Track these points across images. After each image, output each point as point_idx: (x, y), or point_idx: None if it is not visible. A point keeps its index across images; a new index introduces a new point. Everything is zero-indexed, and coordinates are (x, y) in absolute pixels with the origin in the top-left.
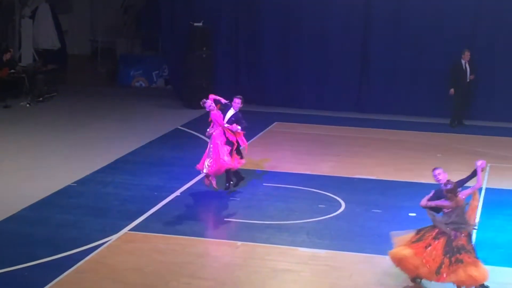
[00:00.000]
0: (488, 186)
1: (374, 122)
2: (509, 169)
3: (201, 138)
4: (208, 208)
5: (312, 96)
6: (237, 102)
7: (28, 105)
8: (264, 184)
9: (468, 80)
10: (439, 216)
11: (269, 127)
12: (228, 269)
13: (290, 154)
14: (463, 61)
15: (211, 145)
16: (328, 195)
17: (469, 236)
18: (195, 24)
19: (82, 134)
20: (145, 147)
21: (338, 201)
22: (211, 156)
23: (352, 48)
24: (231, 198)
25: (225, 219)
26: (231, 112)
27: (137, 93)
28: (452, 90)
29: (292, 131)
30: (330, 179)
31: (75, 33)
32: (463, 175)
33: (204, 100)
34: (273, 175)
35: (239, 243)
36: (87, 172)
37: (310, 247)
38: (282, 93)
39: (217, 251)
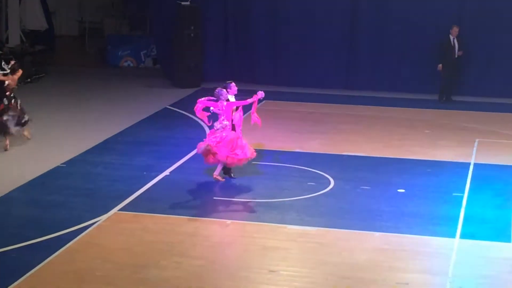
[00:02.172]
0: (476, 162)
1: (362, 99)
2: (496, 144)
3: (190, 117)
4: (197, 187)
5: (301, 74)
6: (233, 86)
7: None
8: (253, 162)
9: (456, 56)
10: None
11: (259, 106)
12: (218, 248)
13: (279, 132)
14: (451, 37)
15: (233, 134)
16: (317, 173)
17: None
18: (183, 3)
19: (71, 114)
20: (134, 127)
21: (327, 178)
22: (238, 145)
23: (341, 26)
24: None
25: (215, 198)
26: (232, 98)
27: (126, 73)
28: (440, 66)
29: (281, 109)
30: (319, 157)
31: (62, 14)
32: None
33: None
34: (263, 153)
35: (228, 221)
36: (76, 152)
37: (300, 225)
38: (271, 71)
39: (207, 230)
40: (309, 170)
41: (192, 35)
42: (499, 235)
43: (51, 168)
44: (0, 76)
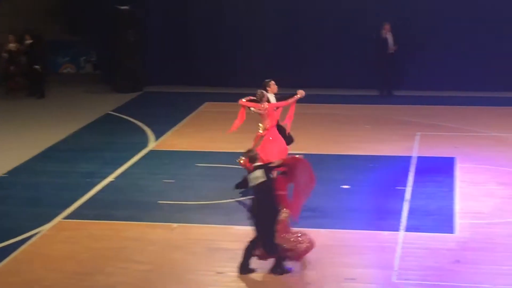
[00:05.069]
0: (418, 155)
1: (305, 97)
2: (437, 137)
3: (132, 122)
4: (141, 191)
5: (242, 74)
6: (273, 84)
7: None
8: (196, 164)
9: (391, 51)
10: None
11: (200, 108)
12: (165, 251)
13: (221, 133)
14: (384, 34)
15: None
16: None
17: None
18: (122, 7)
19: (12, 123)
20: (76, 134)
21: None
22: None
23: (282, 24)
24: (164, 181)
25: (160, 202)
26: (272, 97)
27: (66, 80)
28: (378, 62)
29: (222, 110)
30: None
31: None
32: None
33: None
34: (205, 155)
35: (174, 225)
36: (19, 162)
37: (246, 225)
38: (212, 72)
39: (152, 234)
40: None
41: (132, 39)
42: (442, 226)
43: None
44: None
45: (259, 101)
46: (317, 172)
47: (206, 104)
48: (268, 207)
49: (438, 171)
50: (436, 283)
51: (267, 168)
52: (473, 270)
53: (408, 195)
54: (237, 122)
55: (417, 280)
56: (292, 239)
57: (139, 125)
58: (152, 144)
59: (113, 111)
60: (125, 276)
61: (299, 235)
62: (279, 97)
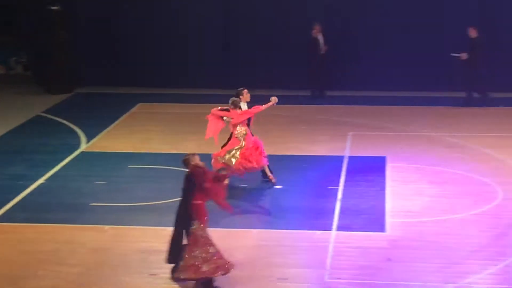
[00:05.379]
0: (350, 154)
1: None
2: (368, 137)
3: (63, 123)
4: (74, 193)
5: (175, 74)
6: (246, 93)
7: None
8: (129, 166)
9: (322, 52)
10: None
11: (133, 109)
12: (96, 254)
13: (154, 134)
14: (315, 35)
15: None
16: None
17: None
18: (52, 7)
19: None
20: (5, 136)
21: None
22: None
23: (212, 26)
24: (96, 183)
25: (92, 204)
26: (245, 106)
27: None
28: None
29: (155, 111)
30: None
31: None
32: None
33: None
34: (139, 156)
35: (106, 227)
36: None
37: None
38: (144, 73)
39: (84, 236)
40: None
41: (63, 40)
42: (374, 225)
43: None
44: None
45: (232, 109)
46: (251, 173)
47: (139, 105)
48: (182, 214)
49: (369, 170)
50: (368, 281)
51: (186, 175)
52: (403, 268)
53: (340, 194)
54: (215, 129)
55: (349, 279)
56: (199, 256)
57: (70, 126)
58: (84, 146)
59: (44, 112)
60: (57, 279)
61: (213, 254)
62: (250, 106)
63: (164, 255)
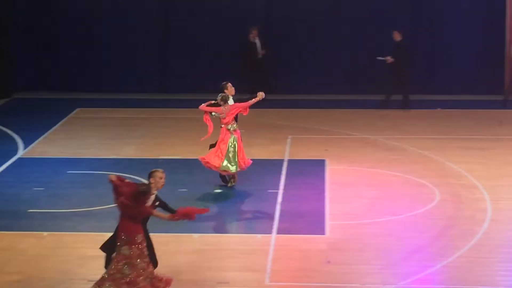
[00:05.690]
0: (290, 158)
1: (177, 102)
2: (308, 140)
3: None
4: (11, 200)
5: (115, 79)
6: (230, 86)
7: None
8: (68, 172)
9: (259, 56)
10: None
11: (71, 114)
12: (35, 261)
13: (93, 139)
14: (252, 39)
15: (237, 141)
16: (135, 178)
17: None
18: None
19: None
20: None
21: (145, 183)
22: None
23: (152, 30)
24: (34, 189)
25: (30, 210)
26: (231, 100)
27: None
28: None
29: (95, 116)
30: (135, 162)
31: None
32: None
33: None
34: (78, 161)
35: (45, 233)
36: None
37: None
38: (83, 78)
39: (22, 243)
40: (126, 177)
41: None
42: (313, 228)
43: None
44: None
45: (220, 104)
46: (190, 177)
47: (78, 110)
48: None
49: (309, 173)
50: (308, 284)
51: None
52: (343, 270)
53: (280, 198)
54: (209, 129)
55: (289, 282)
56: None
57: (7, 132)
58: (22, 152)
59: None
60: None
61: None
62: (236, 99)
63: (103, 262)
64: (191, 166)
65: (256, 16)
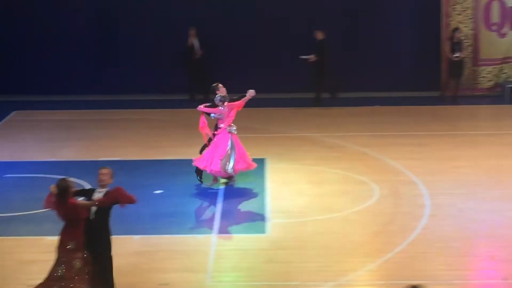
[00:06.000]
0: None
1: (115, 103)
2: (247, 139)
3: None
4: None
5: (54, 81)
6: (221, 87)
7: None
8: (5, 175)
9: (198, 56)
10: None
11: (8, 117)
12: None
13: (31, 142)
14: (190, 40)
15: (235, 143)
16: (75, 181)
17: None
18: None
19: None
20: None
21: (83, 186)
22: (237, 153)
23: (91, 32)
24: None
25: None
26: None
27: None
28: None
29: (32, 118)
30: (75, 164)
31: None
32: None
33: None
34: (15, 165)
35: None
36: None
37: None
38: (20, 80)
39: None
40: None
41: None
42: (254, 227)
43: None
44: None
45: (218, 105)
46: (131, 179)
47: (15, 112)
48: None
49: (249, 172)
50: (249, 283)
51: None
52: (284, 268)
53: (220, 197)
54: (206, 130)
55: (231, 281)
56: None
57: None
58: None
59: None
60: None
61: None
62: (228, 99)
63: (42, 266)
64: (132, 167)
65: (193, 16)
